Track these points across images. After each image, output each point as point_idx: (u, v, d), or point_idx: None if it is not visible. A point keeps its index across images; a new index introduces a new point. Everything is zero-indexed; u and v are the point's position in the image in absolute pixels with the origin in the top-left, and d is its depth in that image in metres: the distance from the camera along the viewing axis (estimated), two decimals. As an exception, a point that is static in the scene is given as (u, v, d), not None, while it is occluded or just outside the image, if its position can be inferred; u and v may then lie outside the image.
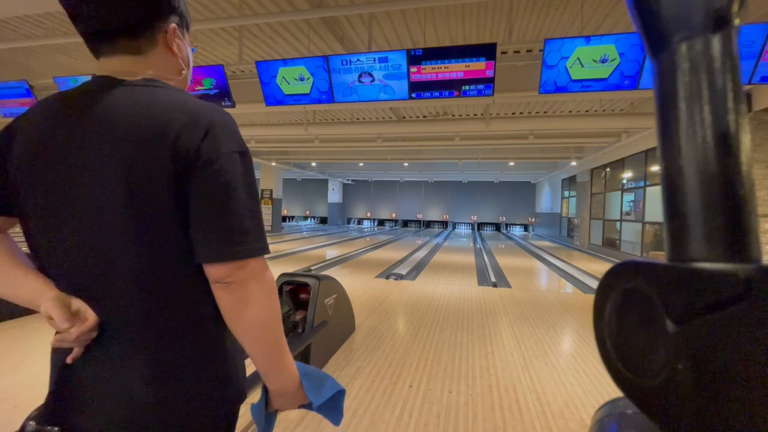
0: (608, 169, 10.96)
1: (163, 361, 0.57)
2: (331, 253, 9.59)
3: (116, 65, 0.60)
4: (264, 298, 0.58)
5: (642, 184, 8.92)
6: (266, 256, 0.60)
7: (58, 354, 0.59)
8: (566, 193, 15.20)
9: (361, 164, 15.71)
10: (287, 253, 8.90)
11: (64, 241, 0.57)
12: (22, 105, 5.76)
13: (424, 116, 8.47)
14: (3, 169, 0.58)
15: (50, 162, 0.56)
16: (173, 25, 0.64)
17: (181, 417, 0.58)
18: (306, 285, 2.61)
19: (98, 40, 0.59)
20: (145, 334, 0.56)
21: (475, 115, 8.24)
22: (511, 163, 14.01)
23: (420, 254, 9.66)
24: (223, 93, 4.70)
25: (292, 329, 2.46)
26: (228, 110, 4.84)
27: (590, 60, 3.69)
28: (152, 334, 0.57)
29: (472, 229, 21.66)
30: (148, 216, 0.54)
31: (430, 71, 4.04)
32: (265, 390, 0.69)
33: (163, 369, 0.57)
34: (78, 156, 0.55)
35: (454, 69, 3.98)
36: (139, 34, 0.60)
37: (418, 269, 7.27)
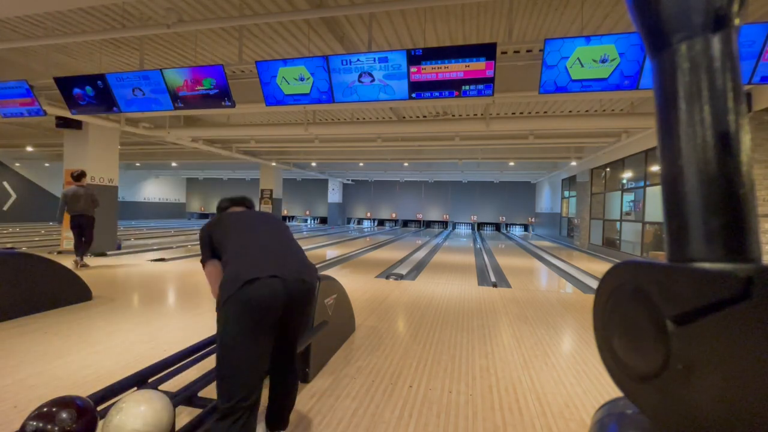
0: (608, 169, 10.96)
1: None
2: (331, 253, 9.59)
3: None
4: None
5: (642, 184, 8.92)
6: None
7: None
8: (566, 193, 15.19)
9: (361, 164, 15.71)
10: (287, 253, 8.89)
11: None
12: (22, 105, 5.75)
13: (424, 116, 8.47)
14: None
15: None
16: None
17: None
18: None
19: None
20: None
21: (475, 115, 8.24)
22: (511, 163, 14.01)
23: (420, 254, 9.66)
24: (223, 93, 4.70)
25: (292, 329, 2.45)
26: (228, 110, 4.80)
27: (590, 60, 3.69)
28: None
29: (472, 229, 21.65)
30: None
31: (430, 71, 4.03)
32: None
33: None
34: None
35: (454, 69, 3.97)
36: None
37: (418, 269, 7.26)
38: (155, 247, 9.50)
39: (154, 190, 23.87)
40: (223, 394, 1.18)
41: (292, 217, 24.16)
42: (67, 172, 7.97)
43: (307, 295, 1.47)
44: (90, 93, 5.12)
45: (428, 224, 22.72)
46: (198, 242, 1.66)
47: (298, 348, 1.72)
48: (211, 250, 1.57)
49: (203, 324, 3.43)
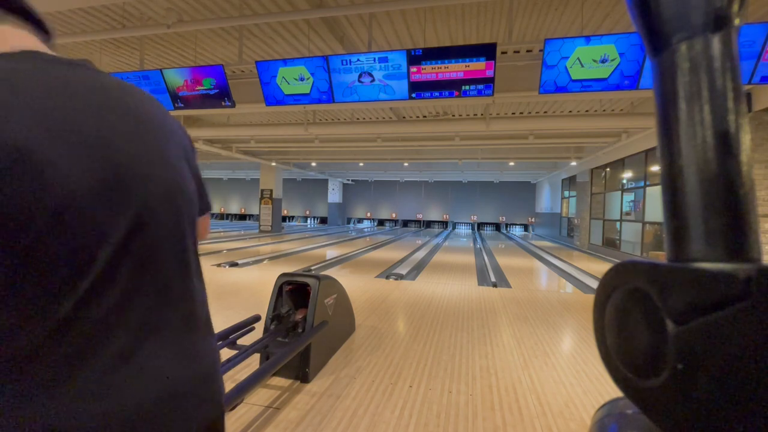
0: (608, 169, 10.96)
1: None
2: (331, 253, 9.59)
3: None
4: (208, 221, 0.73)
5: (642, 184, 8.92)
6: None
7: None
8: (566, 193, 15.19)
9: (361, 164, 15.71)
10: (287, 253, 8.90)
11: None
12: (22, 105, 5.76)
13: (424, 116, 8.47)
14: None
15: None
16: None
17: None
18: (306, 285, 2.60)
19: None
20: None
21: (475, 115, 8.24)
22: (511, 163, 14.01)
23: (420, 254, 9.66)
24: (223, 93, 4.70)
25: (292, 329, 2.46)
26: (228, 110, 4.81)
27: (590, 60, 3.69)
28: None
29: (472, 229, 21.65)
30: None
31: (430, 71, 4.04)
32: None
33: None
34: None
35: (454, 69, 3.98)
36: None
37: (418, 269, 7.27)
38: (155, 247, 9.49)
39: (154, 190, 23.83)
40: None
41: (292, 217, 24.17)
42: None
43: None
44: (90, 93, 5.12)
45: (428, 224, 22.72)
46: None
47: None
48: None
49: (203, 324, 3.42)
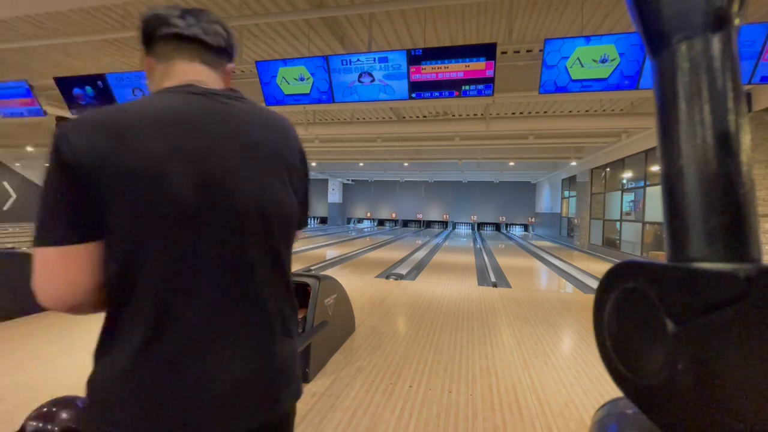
0: (608, 169, 10.96)
1: None
2: (331, 253, 9.58)
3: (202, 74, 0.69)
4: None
5: (642, 184, 8.92)
6: None
7: None
8: (566, 193, 15.19)
9: (361, 164, 15.70)
10: (287, 253, 8.89)
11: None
12: (22, 105, 5.75)
13: (424, 116, 8.47)
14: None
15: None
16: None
17: None
18: (306, 285, 2.60)
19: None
20: None
21: (475, 115, 8.24)
22: (511, 163, 14.00)
23: (420, 254, 9.66)
24: (223, 93, 4.70)
25: (292, 329, 2.46)
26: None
27: (590, 60, 3.69)
28: None
29: (472, 229, 21.65)
30: None
31: (430, 71, 4.03)
32: None
33: None
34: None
35: (454, 69, 3.97)
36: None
37: (418, 269, 7.26)
38: (155, 247, 9.48)
39: (154, 190, 23.85)
40: None
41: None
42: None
43: None
44: (90, 93, 5.12)
45: (428, 224, 22.72)
46: None
47: None
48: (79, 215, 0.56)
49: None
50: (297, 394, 0.71)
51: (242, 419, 0.61)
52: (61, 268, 0.54)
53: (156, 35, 0.67)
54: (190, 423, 0.57)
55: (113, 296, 0.57)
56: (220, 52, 0.70)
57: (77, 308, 0.57)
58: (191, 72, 0.67)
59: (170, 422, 0.56)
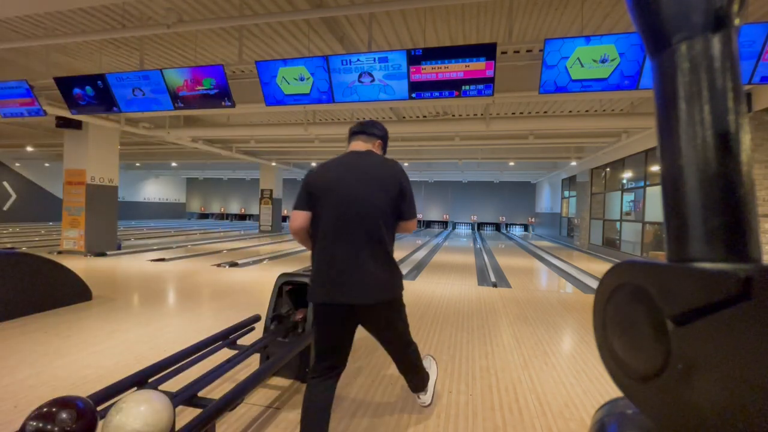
0: (608, 169, 10.96)
1: None
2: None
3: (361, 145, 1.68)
4: (414, 223, 1.70)
5: (642, 184, 8.92)
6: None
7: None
8: (566, 193, 15.19)
9: (361, 164, 15.68)
10: (287, 253, 8.90)
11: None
12: (22, 105, 5.75)
13: (424, 116, 8.47)
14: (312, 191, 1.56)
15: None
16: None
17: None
18: (306, 285, 2.60)
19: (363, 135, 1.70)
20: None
21: (475, 115, 8.24)
22: (511, 163, 14.01)
23: (420, 254, 9.66)
24: (223, 93, 4.70)
25: (292, 329, 2.45)
26: (228, 110, 4.79)
27: (590, 60, 3.69)
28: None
29: (472, 229, 21.65)
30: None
31: (430, 71, 4.03)
32: None
33: None
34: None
35: (454, 69, 3.97)
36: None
37: (418, 269, 7.27)
38: (155, 247, 9.49)
39: (154, 190, 23.86)
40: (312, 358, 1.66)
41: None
42: (67, 172, 7.97)
43: (374, 313, 1.57)
44: (90, 93, 5.12)
45: (428, 224, 22.72)
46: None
47: (399, 341, 1.77)
48: (306, 201, 1.55)
49: (203, 324, 3.42)
50: (400, 289, 1.62)
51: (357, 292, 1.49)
52: (298, 218, 1.54)
53: (350, 132, 1.72)
54: (330, 279, 1.49)
55: (312, 233, 1.56)
56: (370, 135, 1.69)
57: (299, 234, 1.58)
58: (353, 145, 1.69)
59: (324, 274, 1.50)
